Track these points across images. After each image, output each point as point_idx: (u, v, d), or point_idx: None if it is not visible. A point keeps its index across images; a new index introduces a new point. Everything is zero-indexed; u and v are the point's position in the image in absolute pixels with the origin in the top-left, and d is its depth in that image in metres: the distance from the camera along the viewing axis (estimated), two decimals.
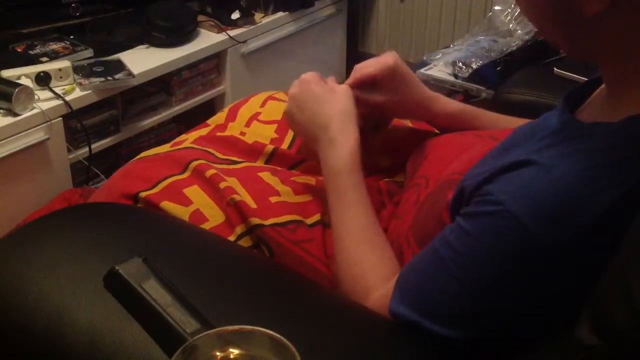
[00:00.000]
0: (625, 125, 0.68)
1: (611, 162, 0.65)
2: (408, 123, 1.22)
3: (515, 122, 1.06)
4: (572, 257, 0.66)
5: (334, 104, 0.99)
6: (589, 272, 0.66)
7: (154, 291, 0.71)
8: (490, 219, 0.70)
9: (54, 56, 1.93)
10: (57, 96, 1.77)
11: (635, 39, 0.68)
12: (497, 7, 2.11)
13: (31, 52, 1.93)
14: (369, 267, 0.88)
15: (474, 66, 1.93)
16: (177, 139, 1.22)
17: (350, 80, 1.07)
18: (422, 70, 2.05)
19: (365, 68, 1.07)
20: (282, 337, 0.55)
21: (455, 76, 1.99)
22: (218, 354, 0.56)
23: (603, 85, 0.78)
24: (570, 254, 0.66)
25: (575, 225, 0.65)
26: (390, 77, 1.06)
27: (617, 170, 0.65)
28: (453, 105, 1.13)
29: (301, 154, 1.13)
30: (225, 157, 1.13)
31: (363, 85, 1.07)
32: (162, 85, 2.13)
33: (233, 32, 2.26)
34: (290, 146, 1.16)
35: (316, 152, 1.00)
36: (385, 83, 1.07)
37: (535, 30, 1.97)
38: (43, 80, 1.79)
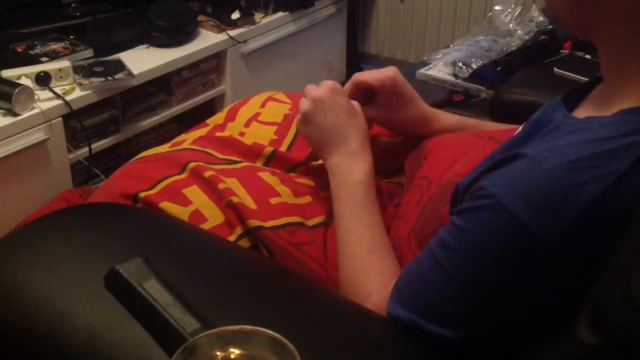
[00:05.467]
0: (616, 119, 0.68)
1: (599, 153, 0.65)
2: None
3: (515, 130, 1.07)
4: (566, 250, 0.66)
5: (357, 121, 1.02)
6: (586, 267, 0.66)
7: (154, 291, 0.71)
8: (482, 213, 0.70)
9: (54, 56, 1.93)
10: (57, 96, 1.77)
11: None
12: (497, 7, 2.11)
13: (31, 52, 1.93)
14: (374, 274, 0.89)
15: (474, 66, 1.93)
16: (177, 139, 1.22)
17: (347, 87, 1.08)
18: (422, 70, 2.05)
19: (364, 76, 1.08)
20: (282, 337, 0.55)
21: (455, 76, 1.99)
22: (218, 353, 0.56)
23: (600, 85, 0.78)
24: (564, 245, 0.66)
25: (566, 216, 0.65)
26: (388, 90, 1.08)
27: (605, 162, 0.65)
28: (450, 121, 1.14)
29: (313, 159, 1.13)
30: (225, 157, 1.13)
31: (358, 96, 1.08)
32: (162, 85, 2.13)
33: (233, 32, 2.26)
34: (289, 148, 1.16)
35: (324, 158, 1.02)
36: (383, 96, 1.08)
37: (536, 30, 1.97)
38: (43, 80, 1.79)
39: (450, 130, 1.12)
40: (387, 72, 1.08)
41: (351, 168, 0.98)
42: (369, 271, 0.89)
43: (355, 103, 1.04)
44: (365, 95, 1.09)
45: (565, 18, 0.75)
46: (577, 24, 0.75)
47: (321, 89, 1.03)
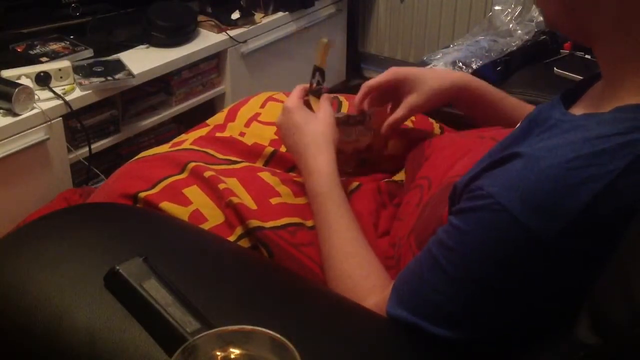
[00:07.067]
0: (613, 116, 0.68)
1: (597, 152, 0.65)
2: (409, 124, 1.22)
3: (524, 109, 1.10)
4: (565, 249, 0.66)
5: (309, 132, 1.04)
6: (585, 266, 0.66)
7: (154, 291, 0.71)
8: (480, 212, 0.70)
9: (54, 56, 1.93)
10: (57, 96, 1.77)
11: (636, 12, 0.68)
12: (497, 7, 2.12)
13: (31, 52, 1.93)
14: (360, 279, 0.89)
15: (474, 66, 1.92)
16: (177, 139, 1.22)
17: (359, 94, 1.11)
18: None
19: (372, 81, 1.11)
20: (282, 337, 0.55)
21: None
22: (218, 353, 0.56)
23: (598, 83, 0.79)
24: (562, 245, 0.66)
25: (564, 215, 0.65)
26: (402, 81, 1.10)
27: (603, 160, 0.65)
28: (484, 87, 1.15)
29: None
30: (225, 157, 1.13)
31: (381, 100, 1.11)
32: (162, 85, 2.13)
33: (233, 32, 2.26)
34: None
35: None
36: (403, 88, 1.10)
37: (536, 30, 1.97)
38: (43, 80, 1.79)
39: (482, 96, 1.14)
40: (390, 70, 1.11)
41: (309, 182, 1.01)
42: (354, 277, 0.89)
43: (322, 112, 1.06)
44: (388, 96, 1.12)
45: (561, 24, 0.76)
46: (572, 29, 0.76)
47: (280, 113, 1.08)
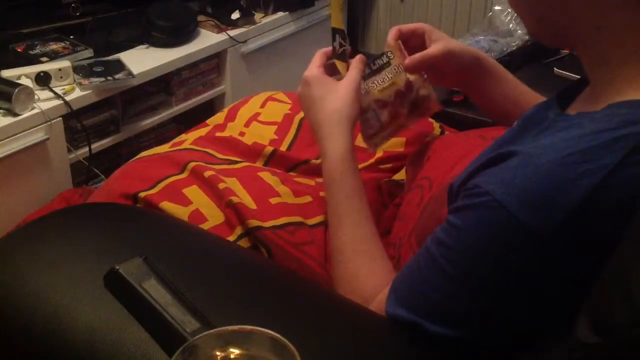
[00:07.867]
0: (605, 113, 0.68)
1: (591, 148, 0.66)
2: None
3: (533, 97, 1.08)
4: (563, 245, 0.66)
5: (323, 108, 0.97)
6: (583, 262, 0.66)
7: (154, 291, 0.71)
8: (477, 210, 0.70)
9: (54, 56, 1.93)
10: (57, 96, 1.77)
11: (606, 10, 0.69)
12: (497, 7, 2.12)
13: (31, 52, 1.93)
14: (364, 279, 0.88)
15: None
16: (177, 139, 1.22)
17: (391, 34, 1.03)
18: None
19: (400, 25, 1.04)
20: (282, 337, 0.55)
21: None
22: (218, 353, 0.56)
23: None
24: (560, 241, 0.66)
25: (561, 211, 0.65)
26: (427, 33, 1.03)
27: (597, 156, 0.65)
28: (498, 68, 1.11)
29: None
30: (225, 157, 1.13)
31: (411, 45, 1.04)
32: (162, 85, 2.13)
33: (233, 32, 2.26)
34: (289, 148, 1.16)
35: None
36: (426, 42, 1.04)
37: None
38: (43, 80, 1.79)
39: (496, 72, 1.10)
40: (417, 23, 1.05)
41: (323, 167, 0.96)
42: (359, 277, 0.89)
43: (345, 82, 0.98)
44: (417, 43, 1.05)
45: (537, 33, 0.78)
46: (547, 37, 0.78)
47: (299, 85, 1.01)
